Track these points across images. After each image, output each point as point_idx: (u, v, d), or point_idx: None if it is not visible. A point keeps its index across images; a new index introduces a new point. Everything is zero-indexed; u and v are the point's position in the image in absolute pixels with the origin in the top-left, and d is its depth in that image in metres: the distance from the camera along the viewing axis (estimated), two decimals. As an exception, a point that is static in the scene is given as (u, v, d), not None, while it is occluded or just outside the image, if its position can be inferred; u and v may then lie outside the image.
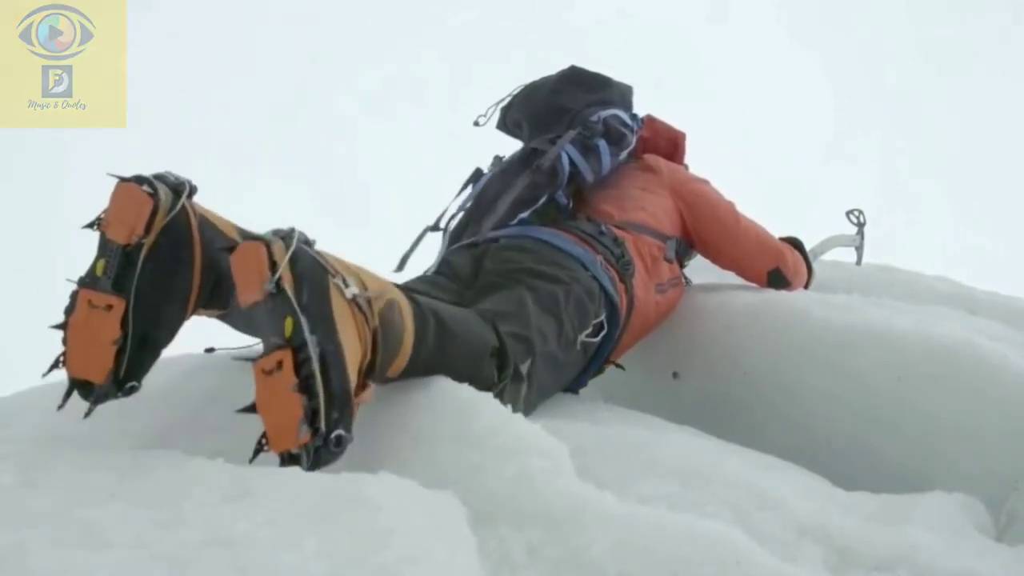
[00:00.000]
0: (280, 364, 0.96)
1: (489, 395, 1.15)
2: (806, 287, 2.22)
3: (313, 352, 0.96)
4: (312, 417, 0.95)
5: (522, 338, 1.42)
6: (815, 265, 2.33)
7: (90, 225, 1.17)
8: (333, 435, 0.96)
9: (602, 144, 1.96)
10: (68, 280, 1.17)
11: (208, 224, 1.22)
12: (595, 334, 1.62)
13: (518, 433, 1.10)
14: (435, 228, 1.90)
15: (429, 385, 1.16)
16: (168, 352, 1.16)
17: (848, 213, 2.82)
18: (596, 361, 1.73)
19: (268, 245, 1.00)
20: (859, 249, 2.82)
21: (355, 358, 1.02)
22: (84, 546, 0.81)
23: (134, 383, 1.15)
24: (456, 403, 1.12)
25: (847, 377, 1.69)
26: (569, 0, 8.62)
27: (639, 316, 1.79)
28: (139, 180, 1.16)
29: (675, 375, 1.97)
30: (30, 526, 0.81)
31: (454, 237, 1.87)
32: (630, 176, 2.05)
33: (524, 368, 1.39)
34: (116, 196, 1.16)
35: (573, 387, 1.77)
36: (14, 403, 1.30)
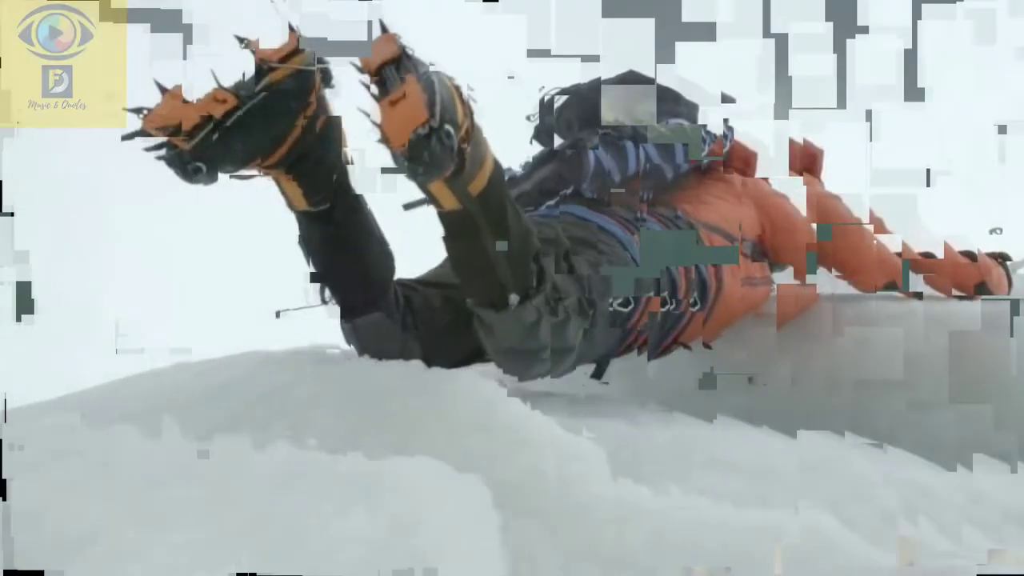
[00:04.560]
0: (406, 94, 1.10)
1: (516, 399, 1.24)
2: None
3: (438, 88, 1.10)
4: (431, 108, 1.08)
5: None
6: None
7: (245, 45, 1.33)
8: (445, 127, 1.09)
9: (628, 145, 2.00)
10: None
11: (324, 106, 1.37)
12: (625, 304, 1.66)
13: (535, 428, 1.19)
14: None
15: (457, 379, 1.26)
16: (234, 350, 1.25)
17: None
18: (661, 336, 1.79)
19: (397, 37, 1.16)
20: None
21: (462, 124, 1.15)
22: (151, 526, 0.90)
23: (200, 164, 1.24)
24: (479, 398, 1.22)
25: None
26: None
27: (724, 303, 1.86)
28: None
29: (751, 380, 2.01)
30: (103, 509, 0.90)
31: None
32: (704, 185, 2.13)
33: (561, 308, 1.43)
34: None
35: (604, 359, 1.79)
36: (71, 400, 1.39)
